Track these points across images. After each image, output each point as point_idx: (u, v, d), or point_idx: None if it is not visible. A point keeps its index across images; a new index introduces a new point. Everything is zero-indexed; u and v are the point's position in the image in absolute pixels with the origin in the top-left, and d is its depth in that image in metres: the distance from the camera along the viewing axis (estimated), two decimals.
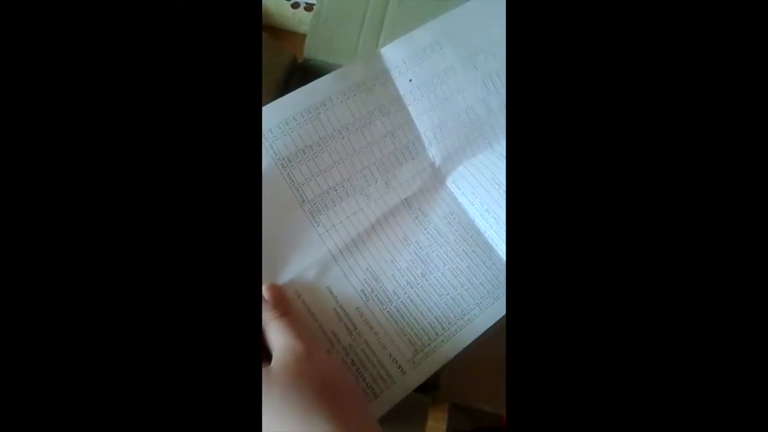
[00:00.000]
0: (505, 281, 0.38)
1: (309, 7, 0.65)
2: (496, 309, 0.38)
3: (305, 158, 0.38)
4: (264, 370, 0.28)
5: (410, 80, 0.41)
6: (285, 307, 0.33)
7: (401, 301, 0.37)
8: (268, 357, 0.30)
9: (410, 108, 0.41)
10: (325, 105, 0.38)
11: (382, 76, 0.41)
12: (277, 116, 0.37)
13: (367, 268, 0.37)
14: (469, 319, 0.37)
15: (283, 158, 0.37)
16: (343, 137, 0.39)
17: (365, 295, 0.36)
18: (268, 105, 0.37)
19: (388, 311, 0.36)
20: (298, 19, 0.67)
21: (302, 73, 0.51)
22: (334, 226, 0.38)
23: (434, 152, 0.41)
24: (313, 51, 0.49)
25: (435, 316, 0.37)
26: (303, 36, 0.50)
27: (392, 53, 0.41)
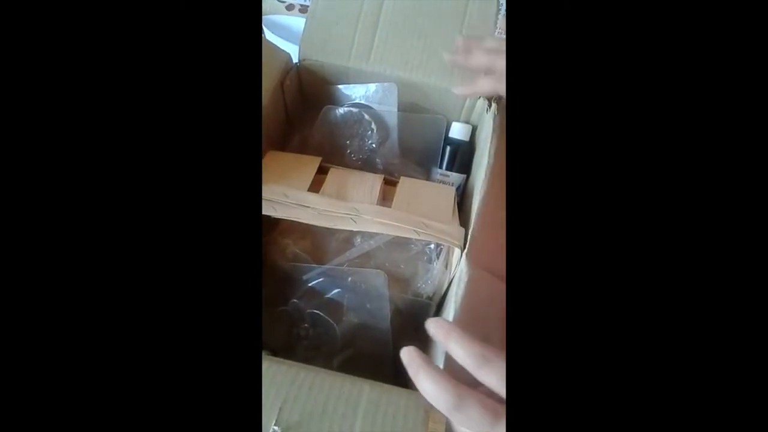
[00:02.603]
0: None
1: (304, 9, 0.65)
2: None
3: None
4: None
5: None
6: None
7: None
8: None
9: None
10: None
11: None
12: None
13: None
14: None
15: None
16: None
17: None
18: None
19: None
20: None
21: (297, 73, 0.51)
22: None
23: None
24: (308, 52, 0.49)
25: None
26: None
27: None
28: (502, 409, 0.25)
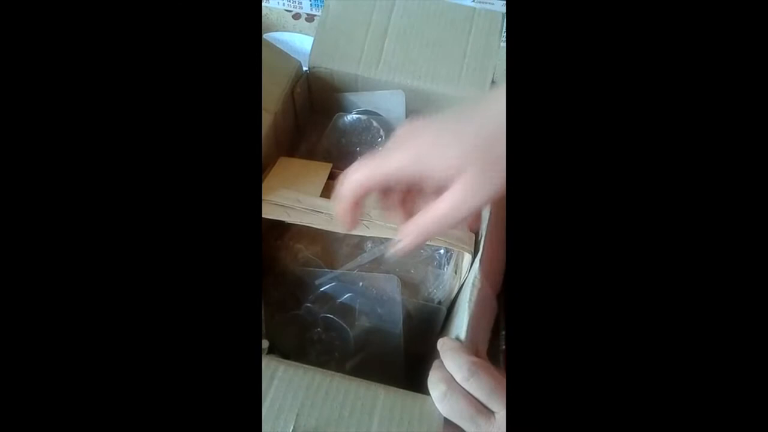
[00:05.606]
0: None
1: (310, 18, 0.66)
2: None
3: None
4: None
5: None
6: None
7: None
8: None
9: None
10: None
11: None
12: None
13: None
14: None
15: None
16: None
17: None
18: None
19: None
20: (299, 30, 0.68)
21: (307, 81, 0.51)
22: None
23: None
24: (318, 59, 0.50)
25: None
26: None
27: None
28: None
